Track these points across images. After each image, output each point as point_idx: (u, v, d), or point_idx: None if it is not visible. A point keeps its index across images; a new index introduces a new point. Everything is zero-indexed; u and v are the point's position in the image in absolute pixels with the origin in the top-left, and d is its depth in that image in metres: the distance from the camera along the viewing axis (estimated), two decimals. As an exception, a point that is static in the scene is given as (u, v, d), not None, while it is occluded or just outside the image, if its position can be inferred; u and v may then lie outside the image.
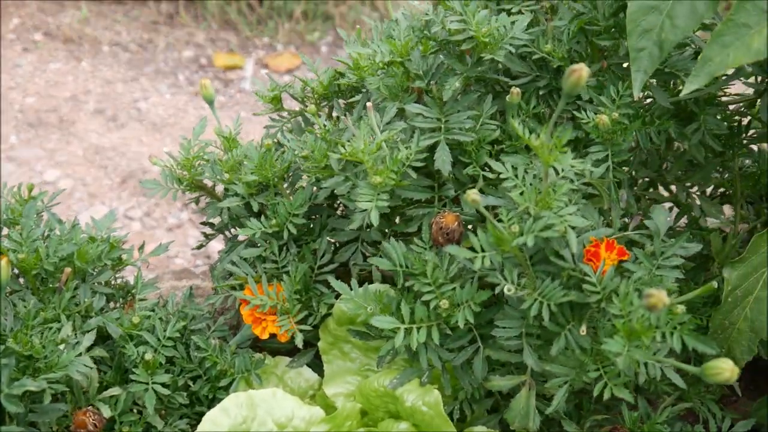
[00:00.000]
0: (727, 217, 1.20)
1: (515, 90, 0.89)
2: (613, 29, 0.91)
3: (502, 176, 0.79)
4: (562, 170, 0.80)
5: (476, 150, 0.92)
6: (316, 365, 1.05)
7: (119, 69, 2.39)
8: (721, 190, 1.24)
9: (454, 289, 0.83)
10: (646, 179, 1.11)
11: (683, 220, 1.15)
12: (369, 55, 0.91)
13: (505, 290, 0.77)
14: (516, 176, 0.79)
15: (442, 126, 0.90)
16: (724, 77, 0.99)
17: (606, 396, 0.76)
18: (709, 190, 1.23)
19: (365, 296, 0.89)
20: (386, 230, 1.00)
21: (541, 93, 0.96)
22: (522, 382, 0.85)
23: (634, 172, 1.07)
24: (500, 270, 0.80)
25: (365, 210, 0.85)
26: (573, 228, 0.78)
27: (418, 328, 0.83)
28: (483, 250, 0.77)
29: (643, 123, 0.90)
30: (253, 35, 2.57)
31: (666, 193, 1.16)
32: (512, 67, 0.97)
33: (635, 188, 1.13)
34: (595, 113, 0.88)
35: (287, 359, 1.05)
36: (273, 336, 1.01)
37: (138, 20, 2.58)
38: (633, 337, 0.73)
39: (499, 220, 0.77)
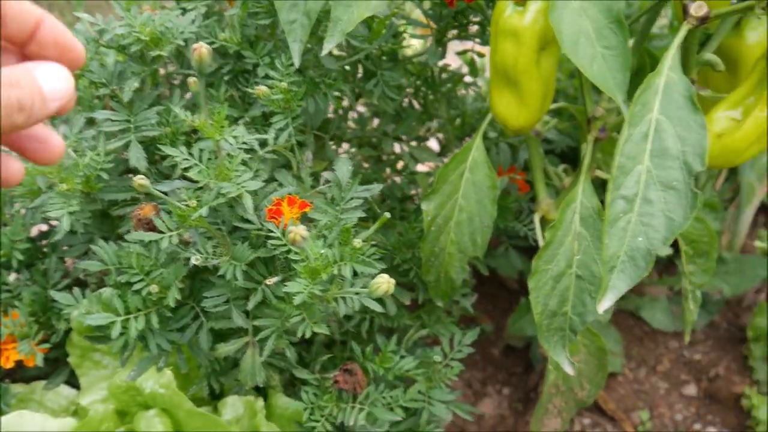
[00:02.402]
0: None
1: (191, 80, 0.95)
2: (271, 8, 0.99)
3: (176, 159, 0.84)
4: (239, 143, 0.86)
5: (172, 142, 0.97)
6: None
7: None
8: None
9: (161, 273, 0.87)
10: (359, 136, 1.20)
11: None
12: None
13: (192, 260, 0.82)
14: (192, 157, 0.85)
15: (132, 126, 0.94)
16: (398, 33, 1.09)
17: (308, 334, 0.83)
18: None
19: (90, 302, 0.91)
20: (110, 235, 1.03)
21: (226, 78, 1.02)
22: (246, 343, 0.91)
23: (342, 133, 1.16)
24: (196, 245, 0.85)
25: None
26: (255, 193, 0.85)
27: (136, 317, 0.86)
28: (170, 230, 0.82)
29: (314, 87, 0.98)
30: None
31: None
32: (195, 59, 1.02)
33: (354, 149, 1.22)
34: (272, 87, 0.95)
35: (44, 383, 1.06)
36: (21, 364, 1.02)
37: None
38: (315, 276, 0.80)
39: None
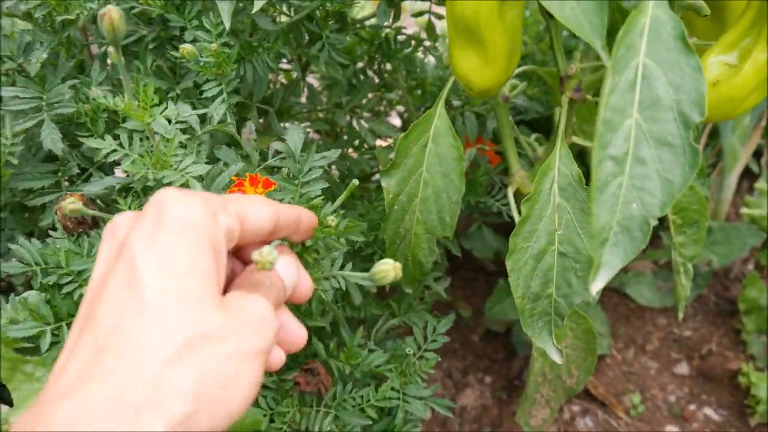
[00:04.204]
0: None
1: (110, 50, 0.83)
2: (196, -37, 0.87)
3: (104, 151, 0.72)
4: (175, 122, 0.74)
5: (92, 120, 0.85)
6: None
7: None
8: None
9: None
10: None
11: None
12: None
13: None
14: (122, 146, 0.73)
15: (44, 103, 0.82)
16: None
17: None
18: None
19: (14, 309, 0.79)
20: (34, 229, 0.92)
21: (152, 47, 0.90)
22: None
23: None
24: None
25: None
26: (201, 178, 0.74)
27: (68, 324, 0.75)
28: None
29: (249, 48, 0.87)
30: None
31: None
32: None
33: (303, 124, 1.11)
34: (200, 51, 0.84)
35: (-32, 400, 0.94)
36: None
37: None
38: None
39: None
